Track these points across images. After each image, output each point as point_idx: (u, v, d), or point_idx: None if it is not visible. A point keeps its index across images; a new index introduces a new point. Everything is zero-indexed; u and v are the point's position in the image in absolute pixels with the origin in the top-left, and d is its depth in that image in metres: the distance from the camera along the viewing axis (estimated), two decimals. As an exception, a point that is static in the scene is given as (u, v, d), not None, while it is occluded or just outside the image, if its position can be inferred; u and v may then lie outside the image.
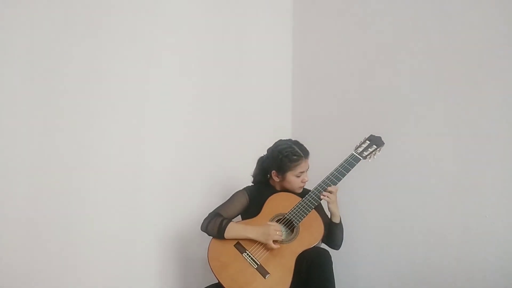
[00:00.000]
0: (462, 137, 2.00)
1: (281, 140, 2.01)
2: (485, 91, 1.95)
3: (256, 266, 1.76)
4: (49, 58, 1.93)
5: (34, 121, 1.89)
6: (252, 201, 1.97)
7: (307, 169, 1.96)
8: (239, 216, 2.00)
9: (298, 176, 1.93)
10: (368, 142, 1.95)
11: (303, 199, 1.87)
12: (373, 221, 2.23)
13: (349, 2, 2.55)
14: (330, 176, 1.87)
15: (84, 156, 2.01)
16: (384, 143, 1.95)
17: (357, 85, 2.44)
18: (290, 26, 2.84)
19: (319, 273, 1.71)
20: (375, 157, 1.93)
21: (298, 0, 2.82)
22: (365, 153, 1.92)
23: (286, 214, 1.86)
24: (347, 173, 1.87)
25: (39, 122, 1.90)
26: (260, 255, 1.78)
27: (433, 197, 2.06)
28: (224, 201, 2.00)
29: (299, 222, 1.83)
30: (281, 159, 1.91)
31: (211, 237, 1.87)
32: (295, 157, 1.91)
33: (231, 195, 2.01)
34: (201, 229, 1.89)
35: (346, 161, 1.90)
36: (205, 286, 1.84)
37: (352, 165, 1.89)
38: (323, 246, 1.88)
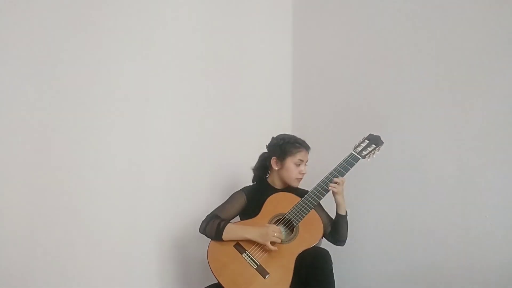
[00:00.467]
0: (462, 137, 1.99)
1: (284, 133, 2.06)
2: (485, 91, 1.94)
3: (256, 266, 1.76)
4: (50, 58, 1.94)
5: (34, 121, 1.90)
6: (250, 201, 1.97)
7: (306, 162, 1.99)
8: (238, 217, 2.00)
9: (297, 165, 1.95)
10: (367, 141, 1.95)
11: (303, 199, 1.87)
12: (373, 221, 2.23)
13: (349, 2, 2.55)
14: (330, 176, 1.87)
15: (84, 156, 2.01)
16: (383, 142, 1.95)
17: (357, 85, 2.44)
18: (290, 26, 2.85)
19: (319, 273, 1.71)
20: (374, 156, 1.93)
21: (298, 0, 2.82)
22: (364, 153, 1.92)
23: (286, 214, 1.86)
24: (346, 172, 1.87)
25: (39, 122, 1.91)
26: (259, 255, 1.78)
27: (433, 197, 2.05)
28: (223, 202, 1.99)
29: (299, 222, 1.83)
30: (283, 144, 1.97)
31: (210, 238, 1.87)
32: (297, 144, 1.98)
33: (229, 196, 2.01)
34: (199, 231, 1.90)
35: (345, 160, 1.90)
36: (205, 287, 1.84)
37: (351, 165, 1.89)
38: (324, 245, 1.87)
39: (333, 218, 1.91)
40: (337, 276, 1.73)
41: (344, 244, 1.93)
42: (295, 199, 1.89)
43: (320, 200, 1.86)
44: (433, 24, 2.13)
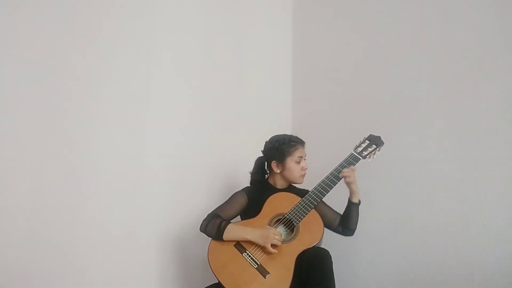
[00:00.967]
0: (462, 137, 1.99)
1: (275, 135, 2.06)
2: (485, 91, 1.94)
3: (256, 266, 1.76)
4: (50, 58, 1.94)
5: (34, 121, 1.90)
6: (251, 201, 1.97)
7: (305, 156, 2.00)
8: (238, 216, 2.01)
9: (298, 162, 1.97)
10: (367, 141, 1.95)
11: (303, 198, 1.87)
12: (373, 221, 2.23)
13: (349, 2, 2.55)
14: (330, 176, 1.88)
15: (84, 156, 2.01)
16: (383, 143, 1.95)
17: (357, 85, 2.44)
18: (290, 25, 2.85)
19: (319, 273, 1.71)
20: (374, 156, 1.93)
21: (298, 0, 2.82)
22: (365, 153, 1.92)
23: (286, 214, 1.86)
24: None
25: (39, 122, 1.91)
26: (260, 255, 1.78)
27: (433, 197, 2.06)
28: (224, 201, 1.99)
29: (299, 221, 1.83)
30: (279, 146, 1.98)
31: (210, 238, 1.87)
32: (292, 142, 1.99)
33: (230, 195, 2.01)
34: (200, 230, 1.89)
35: (345, 160, 1.91)
36: (205, 286, 1.84)
37: (352, 165, 1.89)
38: (324, 245, 1.88)
39: (344, 210, 1.93)
40: (337, 276, 1.73)
41: (353, 234, 1.94)
42: (296, 199, 1.90)
43: (321, 199, 1.86)
44: (433, 24, 2.13)
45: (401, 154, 2.17)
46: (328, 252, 1.76)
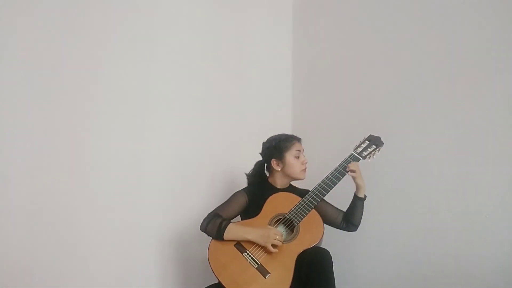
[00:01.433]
0: (462, 137, 1.99)
1: (270, 136, 2.08)
2: (485, 91, 1.94)
3: (257, 265, 1.76)
4: (50, 58, 1.94)
5: (34, 121, 1.90)
6: (252, 201, 1.97)
7: (303, 151, 2.02)
8: (239, 216, 2.01)
9: (297, 157, 1.98)
10: (367, 142, 1.95)
11: (303, 198, 1.87)
12: (373, 221, 2.22)
13: (349, 2, 2.55)
14: (330, 176, 1.88)
15: (84, 156, 2.01)
16: (383, 143, 1.95)
17: (357, 85, 2.44)
18: (290, 25, 2.85)
19: (319, 273, 1.71)
20: (374, 157, 1.93)
21: (298, 0, 2.82)
22: (365, 153, 1.92)
23: (286, 213, 1.86)
24: (347, 173, 1.88)
25: (39, 122, 1.91)
26: (260, 254, 1.79)
27: (433, 197, 2.06)
28: (224, 201, 1.99)
29: (299, 221, 1.83)
30: (276, 144, 2.01)
31: (211, 237, 1.87)
32: (289, 138, 2.02)
33: (231, 195, 2.01)
34: (200, 229, 1.89)
35: (345, 161, 1.91)
36: (206, 286, 1.84)
37: (353, 165, 1.89)
38: (324, 245, 1.88)
39: (347, 206, 1.94)
40: (337, 276, 1.73)
41: (356, 229, 1.95)
42: (296, 199, 1.90)
43: (321, 199, 1.86)
44: (433, 24, 2.13)
45: (401, 154, 2.17)
46: (328, 252, 1.76)
